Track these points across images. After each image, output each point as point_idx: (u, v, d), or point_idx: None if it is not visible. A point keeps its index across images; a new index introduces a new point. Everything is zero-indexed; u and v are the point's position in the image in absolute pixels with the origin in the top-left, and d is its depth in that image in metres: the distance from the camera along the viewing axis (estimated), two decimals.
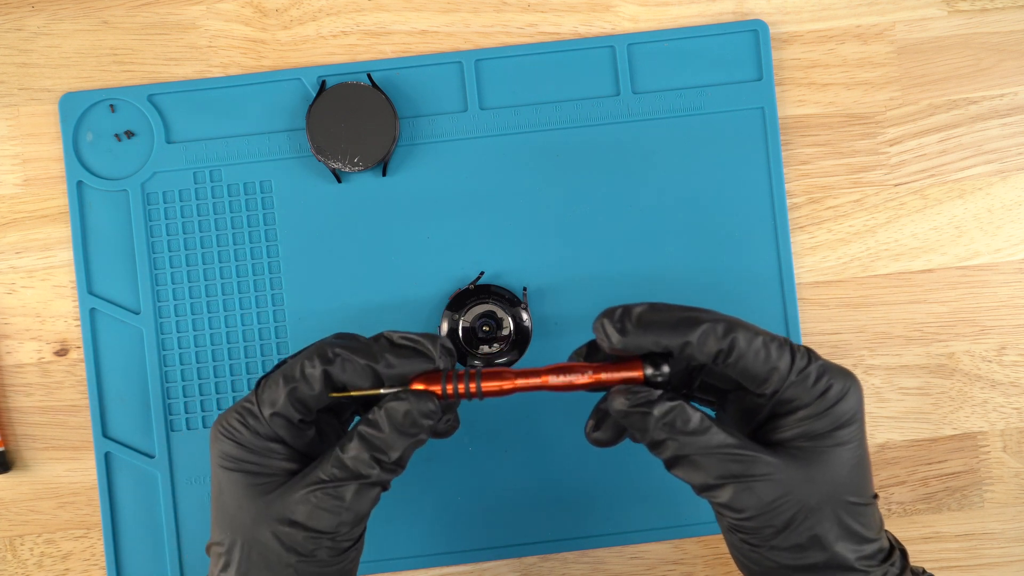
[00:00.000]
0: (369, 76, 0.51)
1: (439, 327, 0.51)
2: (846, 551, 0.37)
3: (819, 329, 0.53)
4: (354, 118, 0.50)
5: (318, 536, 0.37)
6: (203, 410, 0.51)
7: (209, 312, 0.51)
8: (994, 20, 0.53)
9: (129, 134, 0.51)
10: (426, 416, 0.37)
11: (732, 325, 0.36)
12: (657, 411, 0.36)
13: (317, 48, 0.52)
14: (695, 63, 0.52)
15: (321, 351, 0.38)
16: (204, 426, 0.51)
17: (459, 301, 0.50)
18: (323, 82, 0.51)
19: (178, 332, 0.51)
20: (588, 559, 0.53)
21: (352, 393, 0.38)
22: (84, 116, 0.51)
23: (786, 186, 0.53)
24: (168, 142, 0.51)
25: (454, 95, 0.52)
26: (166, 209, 0.51)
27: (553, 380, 0.37)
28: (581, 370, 0.37)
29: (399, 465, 0.39)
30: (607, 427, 0.39)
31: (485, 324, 0.50)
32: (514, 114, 0.52)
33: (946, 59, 0.53)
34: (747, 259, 0.52)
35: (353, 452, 0.37)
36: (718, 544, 0.53)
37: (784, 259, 0.52)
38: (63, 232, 0.52)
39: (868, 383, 0.53)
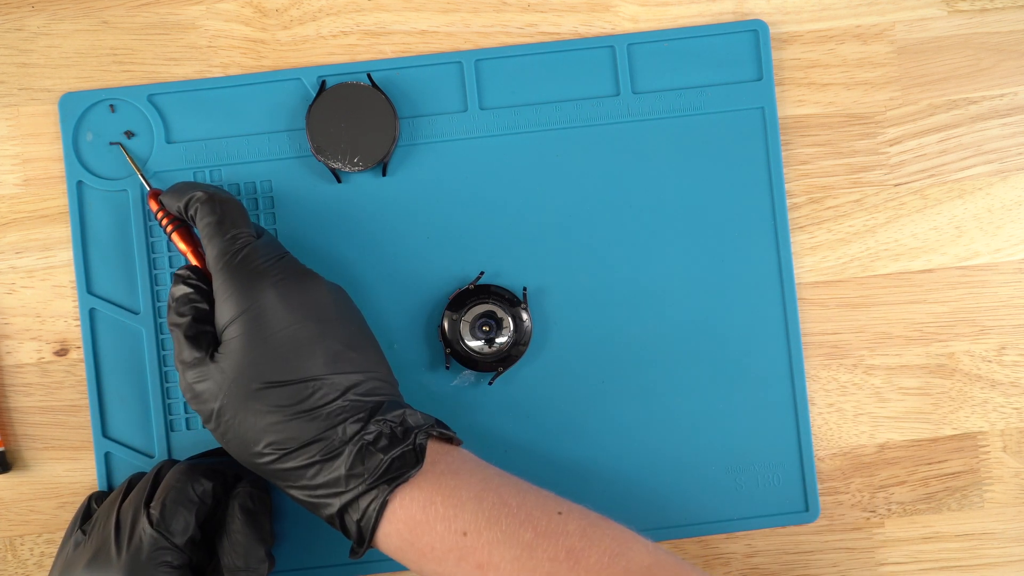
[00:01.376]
0: (369, 76, 0.51)
1: (439, 327, 0.51)
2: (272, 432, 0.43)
3: (819, 329, 0.53)
4: (354, 118, 0.50)
5: None
6: None
7: None
8: (994, 20, 0.53)
9: (129, 134, 0.51)
10: (265, 496, 0.47)
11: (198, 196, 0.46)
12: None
13: (317, 48, 0.52)
14: (695, 63, 0.52)
15: (201, 472, 0.46)
16: (204, 426, 0.51)
17: (459, 301, 0.50)
18: (323, 82, 0.51)
19: None
20: None
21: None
22: (84, 116, 0.51)
23: (786, 186, 0.53)
24: (168, 142, 0.51)
25: (454, 95, 0.52)
26: None
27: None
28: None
29: (272, 538, 0.47)
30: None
31: (485, 324, 0.50)
32: (514, 114, 0.52)
33: (946, 59, 0.53)
34: (747, 259, 0.52)
35: None
36: (718, 544, 0.53)
37: (784, 259, 0.52)
38: (63, 232, 0.52)
39: (868, 383, 0.53)
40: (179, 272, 0.45)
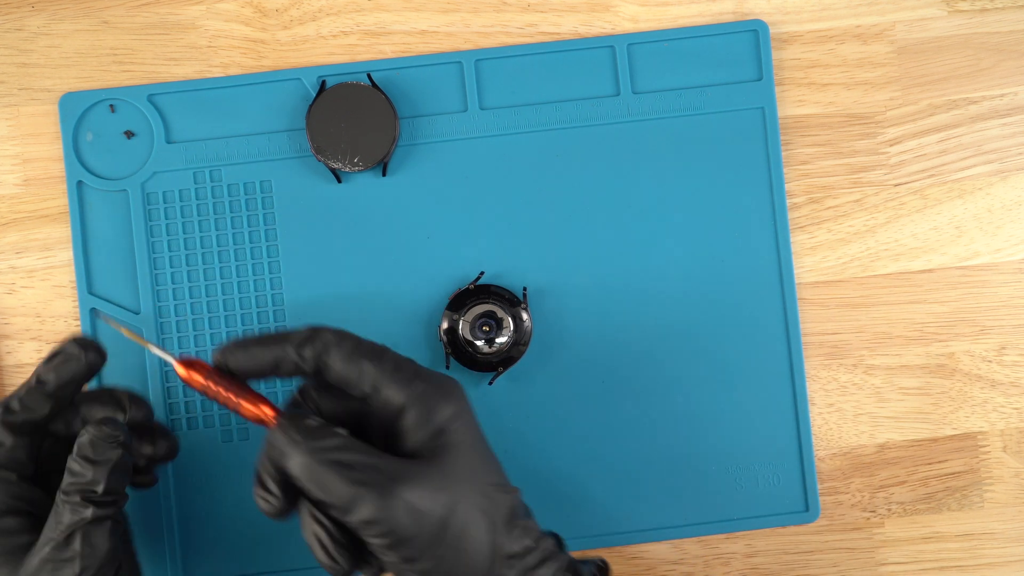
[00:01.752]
0: (369, 76, 0.51)
1: (439, 327, 0.51)
2: (501, 539, 0.39)
3: (819, 329, 0.53)
4: (354, 118, 0.50)
5: None
6: (203, 410, 0.51)
7: (209, 312, 0.51)
8: (994, 20, 0.53)
9: (129, 134, 0.51)
10: (111, 439, 0.40)
11: (315, 332, 0.40)
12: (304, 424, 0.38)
13: (317, 48, 0.52)
14: (695, 63, 0.52)
15: None
16: (204, 426, 0.51)
17: (459, 301, 0.50)
18: (323, 82, 0.51)
19: (178, 332, 0.51)
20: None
21: (123, 330, 0.43)
22: (84, 116, 0.51)
23: (786, 186, 0.53)
24: (168, 142, 0.51)
25: (454, 95, 0.52)
26: (166, 209, 0.51)
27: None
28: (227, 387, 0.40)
29: (112, 494, 0.40)
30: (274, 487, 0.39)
31: (485, 324, 0.50)
32: (514, 114, 0.52)
33: (946, 59, 0.53)
34: (747, 259, 0.52)
35: (61, 500, 0.40)
36: (718, 544, 0.53)
37: (784, 259, 0.52)
38: (63, 232, 0.52)
39: (868, 383, 0.53)
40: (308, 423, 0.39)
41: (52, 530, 0.39)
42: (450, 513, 0.37)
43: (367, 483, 0.36)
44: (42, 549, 0.39)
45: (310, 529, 0.38)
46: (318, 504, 0.37)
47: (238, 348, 0.40)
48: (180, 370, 0.40)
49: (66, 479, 0.40)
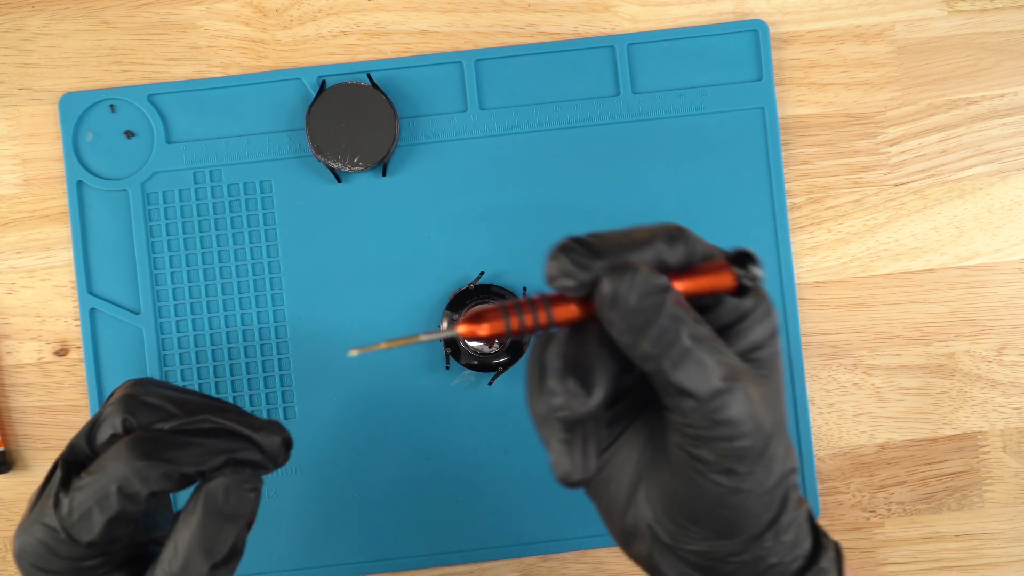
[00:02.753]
0: (369, 76, 0.51)
1: (439, 327, 0.51)
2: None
3: (819, 329, 0.53)
4: (354, 118, 0.50)
5: None
6: None
7: (209, 312, 0.51)
8: (994, 20, 0.53)
9: (129, 134, 0.51)
10: (250, 496, 0.34)
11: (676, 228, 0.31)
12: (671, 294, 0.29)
13: (317, 48, 0.52)
14: (695, 63, 0.52)
15: (143, 465, 0.32)
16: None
17: (459, 301, 0.50)
18: (323, 82, 0.51)
19: (178, 332, 0.51)
20: (588, 559, 0.52)
21: (381, 346, 0.31)
22: (84, 116, 0.51)
23: (786, 186, 0.53)
24: (168, 142, 0.51)
25: (454, 95, 0.52)
26: (166, 209, 0.51)
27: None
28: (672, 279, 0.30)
29: (234, 555, 0.34)
30: (580, 447, 0.30)
31: None
32: (514, 114, 0.52)
33: (946, 59, 0.53)
34: None
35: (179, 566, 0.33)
36: None
37: (784, 259, 0.52)
38: (63, 232, 0.52)
39: (868, 383, 0.53)
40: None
41: None
42: (773, 435, 0.30)
43: (741, 376, 0.29)
44: None
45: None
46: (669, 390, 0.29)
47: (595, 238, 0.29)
48: (465, 330, 0.30)
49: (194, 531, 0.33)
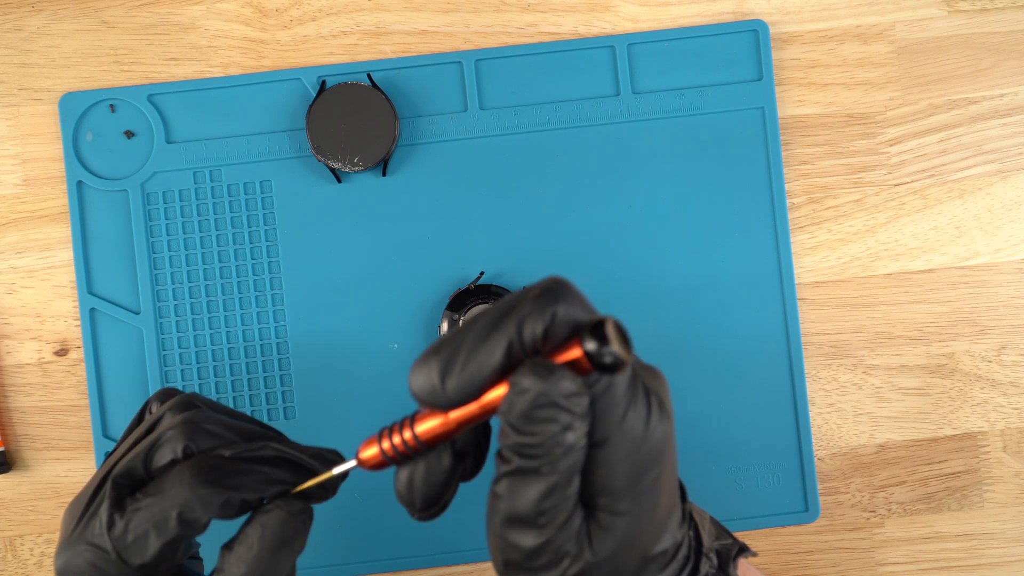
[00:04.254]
0: (369, 76, 0.51)
1: (439, 327, 0.51)
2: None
3: (819, 329, 0.53)
4: (354, 118, 0.50)
5: None
6: None
7: (209, 312, 0.51)
8: (994, 20, 0.53)
9: (129, 134, 0.51)
10: (305, 526, 0.34)
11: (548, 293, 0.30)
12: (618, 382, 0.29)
13: (317, 48, 0.52)
14: (695, 63, 0.52)
15: (205, 490, 0.32)
16: None
17: (459, 301, 0.50)
18: (323, 82, 0.51)
19: (178, 332, 0.51)
20: None
21: (307, 484, 0.34)
22: (84, 116, 0.51)
23: (786, 186, 0.53)
24: (168, 142, 0.51)
25: (454, 95, 0.52)
26: (166, 209, 0.51)
27: (491, 396, 0.30)
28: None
29: None
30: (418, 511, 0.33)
31: None
32: (514, 114, 0.52)
33: (946, 59, 0.53)
34: (747, 259, 0.52)
35: None
36: None
37: (784, 259, 0.52)
38: (63, 232, 0.52)
39: (868, 383, 0.53)
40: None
41: None
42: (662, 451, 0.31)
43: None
44: None
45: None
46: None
47: (448, 371, 0.29)
48: (362, 459, 0.32)
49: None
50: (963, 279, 0.53)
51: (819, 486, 0.53)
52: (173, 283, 0.51)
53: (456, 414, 0.30)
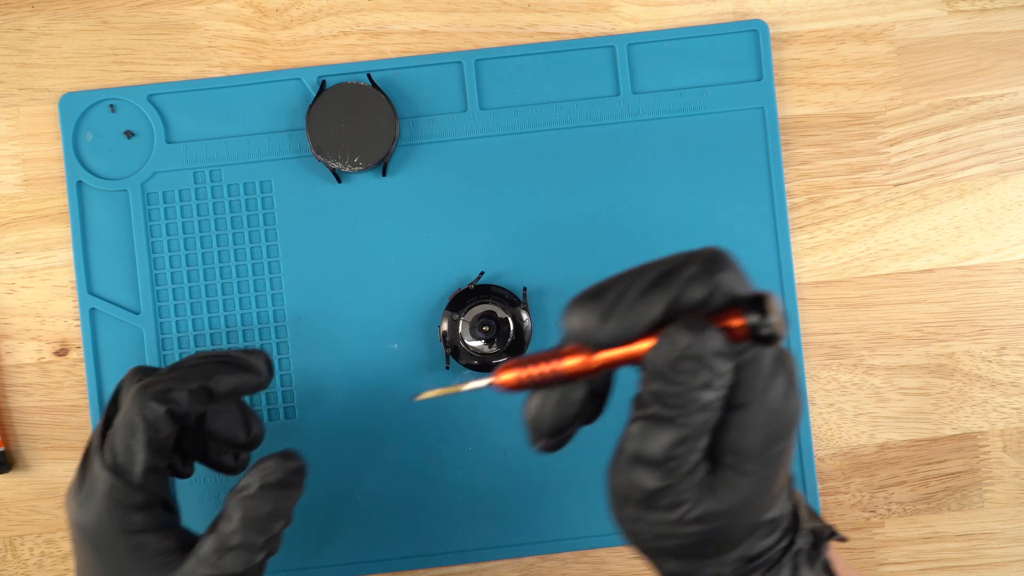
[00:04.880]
0: (369, 76, 0.51)
1: (439, 327, 0.51)
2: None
3: (819, 329, 0.53)
4: (354, 118, 0.50)
5: None
6: None
7: (209, 312, 0.51)
8: (994, 20, 0.53)
9: (129, 134, 0.51)
10: (299, 471, 0.39)
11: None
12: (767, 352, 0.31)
13: (317, 48, 0.52)
14: (695, 63, 0.52)
15: (151, 394, 0.38)
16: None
17: (459, 301, 0.50)
18: (323, 82, 0.51)
19: (178, 332, 0.51)
20: (588, 559, 0.53)
21: (433, 393, 0.37)
22: (84, 116, 0.51)
23: (786, 186, 0.53)
24: (168, 142, 0.51)
25: (454, 95, 0.52)
26: (166, 209, 0.51)
27: (637, 347, 0.31)
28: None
29: (286, 524, 0.40)
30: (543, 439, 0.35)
31: (485, 324, 0.50)
32: (514, 114, 0.52)
33: (946, 59, 0.53)
34: (747, 259, 0.52)
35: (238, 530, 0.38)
36: None
37: (784, 259, 0.52)
38: (63, 232, 0.52)
39: (868, 383, 0.53)
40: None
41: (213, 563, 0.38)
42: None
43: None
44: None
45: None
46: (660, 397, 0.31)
47: (608, 316, 0.31)
48: (500, 381, 0.34)
49: (245, 509, 0.38)
50: (963, 279, 0.53)
51: (819, 486, 0.53)
52: (173, 283, 0.51)
53: (602, 356, 0.32)
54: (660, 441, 0.31)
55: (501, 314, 0.50)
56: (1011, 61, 0.53)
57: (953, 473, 0.53)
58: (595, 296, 0.32)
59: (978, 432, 0.53)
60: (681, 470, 0.31)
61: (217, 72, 0.52)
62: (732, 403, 0.31)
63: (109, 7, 0.52)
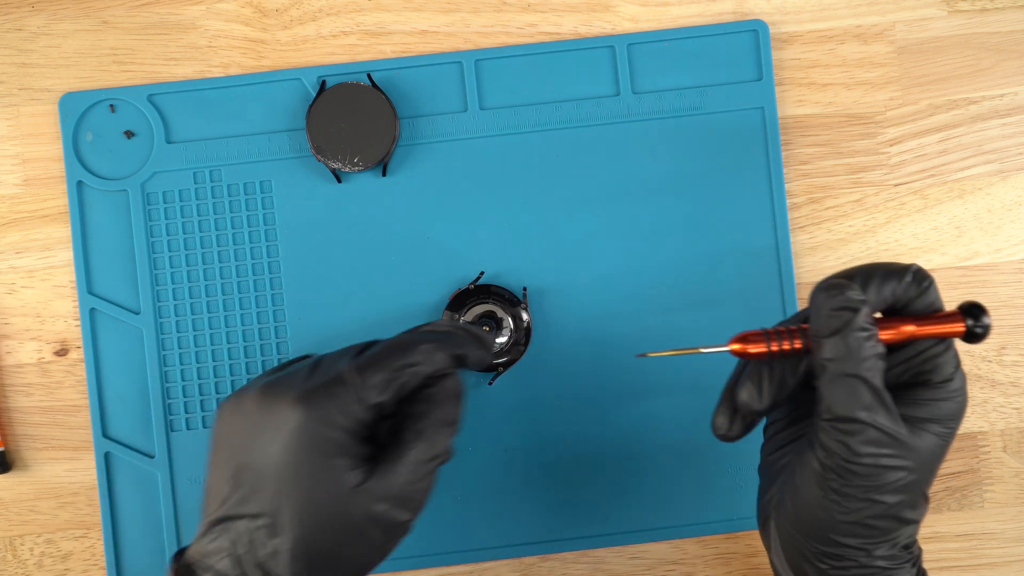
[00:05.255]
0: (369, 76, 0.51)
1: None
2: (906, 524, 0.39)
3: None
4: (354, 118, 0.50)
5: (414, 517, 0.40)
6: (203, 410, 0.51)
7: (209, 312, 0.51)
8: (994, 20, 0.53)
9: (129, 134, 0.51)
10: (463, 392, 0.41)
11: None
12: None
13: (317, 48, 0.52)
14: (695, 63, 0.52)
15: (414, 346, 0.40)
16: (204, 426, 0.51)
17: (459, 301, 0.50)
18: (323, 82, 0.51)
19: (178, 332, 0.51)
20: (588, 559, 0.53)
21: (664, 353, 0.41)
22: (84, 116, 0.51)
23: (786, 186, 0.53)
24: (168, 142, 0.51)
25: (454, 95, 0.52)
26: (166, 209, 0.51)
27: (882, 334, 0.37)
28: (902, 323, 0.37)
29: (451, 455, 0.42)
30: (739, 421, 0.41)
31: (485, 324, 0.50)
32: (514, 114, 0.52)
33: (946, 59, 0.53)
34: (747, 259, 0.52)
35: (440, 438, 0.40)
36: (718, 544, 0.53)
37: (784, 259, 0.52)
38: (63, 232, 0.52)
39: None
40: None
41: (423, 453, 0.39)
42: (901, 489, 0.38)
43: (885, 422, 0.37)
44: (411, 465, 0.39)
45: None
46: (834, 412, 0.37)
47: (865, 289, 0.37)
48: (736, 348, 0.39)
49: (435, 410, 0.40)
50: (963, 279, 0.53)
51: None
52: (173, 283, 0.51)
53: (909, 329, 0.38)
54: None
55: (501, 314, 0.50)
56: (1011, 61, 0.53)
57: (953, 473, 0.53)
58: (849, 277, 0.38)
59: (978, 432, 0.53)
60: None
61: (217, 72, 0.52)
62: (941, 378, 0.38)
63: (109, 7, 0.52)
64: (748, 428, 0.41)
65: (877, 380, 0.36)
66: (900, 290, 0.37)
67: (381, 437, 0.41)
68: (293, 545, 0.37)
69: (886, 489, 0.37)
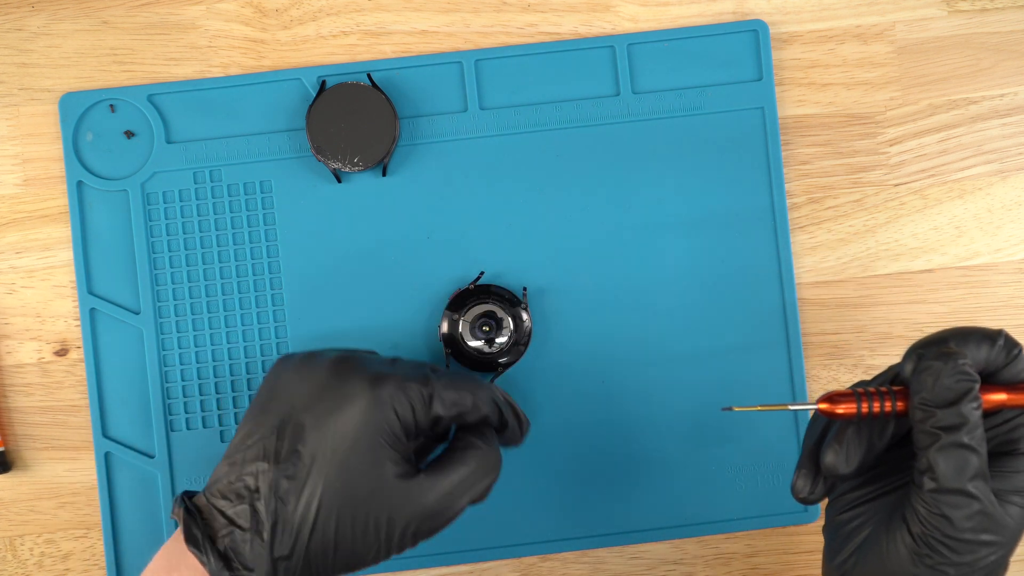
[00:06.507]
0: (369, 76, 0.51)
1: (439, 327, 0.51)
2: None
3: (819, 329, 0.53)
4: (354, 118, 0.50)
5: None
6: (203, 410, 0.51)
7: (209, 312, 0.51)
8: (994, 20, 0.53)
9: (129, 134, 0.51)
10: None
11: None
12: None
13: (317, 48, 0.52)
14: (695, 63, 0.52)
15: (486, 388, 0.42)
16: (204, 426, 0.51)
17: (459, 301, 0.50)
18: (323, 82, 0.51)
19: (178, 332, 0.51)
20: (588, 559, 0.53)
21: (750, 408, 0.40)
22: (84, 116, 0.51)
23: (786, 186, 0.53)
24: (168, 142, 0.51)
25: (454, 95, 0.52)
26: (166, 209, 0.51)
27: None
28: (992, 391, 0.36)
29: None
30: (821, 484, 0.39)
31: (485, 324, 0.50)
32: (514, 114, 0.52)
33: (946, 59, 0.53)
34: (747, 259, 0.52)
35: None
36: (718, 544, 0.53)
37: (784, 259, 0.52)
38: (63, 232, 0.52)
39: None
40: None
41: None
42: (989, 567, 0.37)
43: (986, 495, 0.36)
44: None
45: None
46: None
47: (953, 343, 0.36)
48: (824, 407, 0.37)
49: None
50: (963, 279, 0.53)
51: None
52: (173, 283, 0.51)
53: (997, 398, 0.37)
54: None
55: (501, 314, 0.50)
56: (1011, 61, 0.53)
57: None
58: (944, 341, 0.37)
59: None
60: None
61: (217, 72, 0.52)
62: (1021, 449, 0.37)
63: (109, 7, 0.52)
64: (829, 491, 0.40)
65: (985, 452, 0.35)
66: (992, 356, 0.36)
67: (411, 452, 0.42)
68: (305, 508, 0.38)
69: (978, 565, 0.35)
